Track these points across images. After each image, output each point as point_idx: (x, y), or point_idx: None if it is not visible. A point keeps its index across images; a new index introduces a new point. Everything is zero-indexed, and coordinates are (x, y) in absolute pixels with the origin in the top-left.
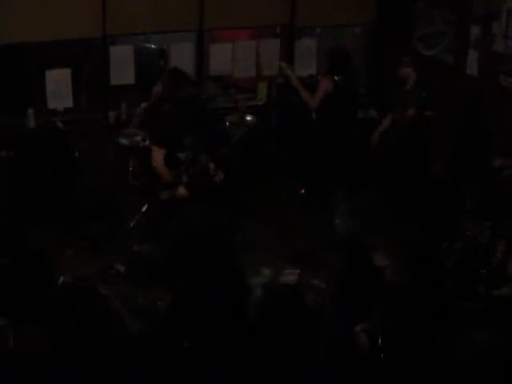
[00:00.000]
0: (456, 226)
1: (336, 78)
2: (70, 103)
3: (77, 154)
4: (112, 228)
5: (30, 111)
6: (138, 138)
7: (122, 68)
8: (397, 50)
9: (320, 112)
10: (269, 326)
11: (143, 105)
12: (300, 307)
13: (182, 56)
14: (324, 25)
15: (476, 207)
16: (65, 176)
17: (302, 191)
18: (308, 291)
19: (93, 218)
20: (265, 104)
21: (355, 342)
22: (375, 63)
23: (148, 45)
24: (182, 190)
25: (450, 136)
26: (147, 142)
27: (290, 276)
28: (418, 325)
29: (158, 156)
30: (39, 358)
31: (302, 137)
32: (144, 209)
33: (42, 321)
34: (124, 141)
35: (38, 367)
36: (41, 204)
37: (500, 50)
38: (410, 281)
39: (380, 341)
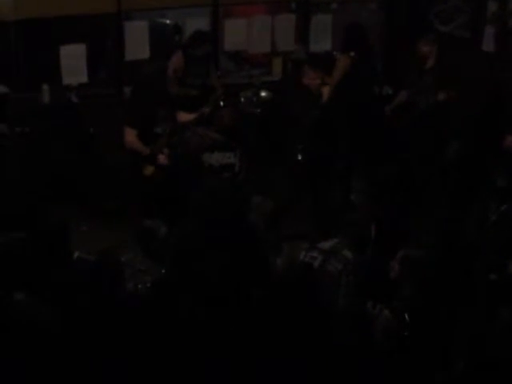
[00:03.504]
0: (484, 201)
1: (352, 54)
2: (84, 79)
3: (91, 130)
4: (126, 203)
5: (45, 87)
6: None
7: (137, 43)
8: (412, 25)
9: (339, 89)
10: (283, 300)
11: None
12: (314, 285)
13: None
14: (340, 0)
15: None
16: (79, 151)
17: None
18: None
19: (107, 193)
20: (280, 79)
21: (371, 317)
22: (391, 39)
23: (163, 20)
24: (161, 158)
25: (467, 114)
26: None
27: (326, 242)
28: (444, 300)
29: (128, 136)
30: (52, 332)
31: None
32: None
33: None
34: None
35: (50, 341)
36: (55, 179)
37: None
38: (437, 256)
39: (407, 317)
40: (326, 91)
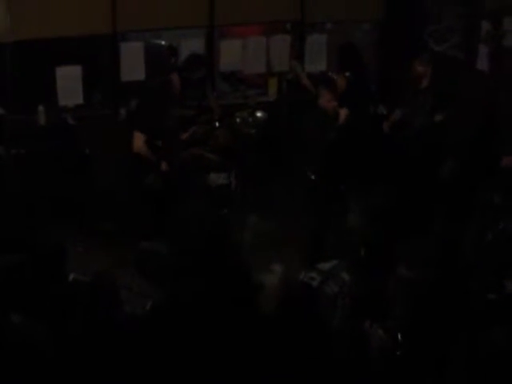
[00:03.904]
0: (481, 220)
1: (347, 74)
2: (80, 100)
3: (87, 151)
4: (122, 225)
5: (41, 108)
6: None
7: (133, 64)
8: (406, 46)
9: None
10: (284, 321)
11: None
12: (315, 305)
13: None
14: (334, 21)
15: (503, 201)
16: (75, 173)
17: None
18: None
19: (103, 214)
20: (275, 100)
21: (367, 337)
22: (385, 60)
23: (158, 41)
24: (164, 166)
25: (461, 133)
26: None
27: (326, 264)
28: (437, 322)
29: (138, 141)
30: (48, 354)
31: (314, 132)
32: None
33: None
34: None
35: (46, 363)
36: (52, 201)
37: (510, 45)
38: (431, 277)
39: (400, 337)
40: (343, 113)
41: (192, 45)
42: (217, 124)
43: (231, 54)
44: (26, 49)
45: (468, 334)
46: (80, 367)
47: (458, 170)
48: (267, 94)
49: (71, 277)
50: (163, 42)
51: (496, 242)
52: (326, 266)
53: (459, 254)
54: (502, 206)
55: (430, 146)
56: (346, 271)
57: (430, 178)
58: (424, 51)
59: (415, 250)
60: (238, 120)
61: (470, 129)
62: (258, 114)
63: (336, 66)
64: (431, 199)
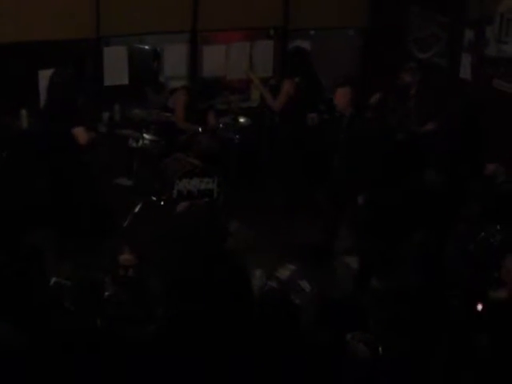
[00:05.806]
0: (461, 229)
1: (297, 79)
2: None
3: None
4: (104, 228)
5: (23, 112)
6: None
7: (116, 69)
8: (391, 52)
9: (284, 114)
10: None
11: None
12: (291, 313)
13: (175, 57)
14: (318, 27)
15: (484, 211)
16: (58, 176)
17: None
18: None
19: (86, 218)
20: (258, 105)
21: (347, 350)
22: (369, 66)
23: (142, 46)
24: None
25: (443, 141)
26: (140, 143)
27: (285, 271)
28: (418, 333)
29: (81, 134)
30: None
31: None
32: (137, 209)
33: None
34: None
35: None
36: (34, 204)
37: (493, 54)
38: (412, 287)
39: (380, 350)
40: None
41: (175, 50)
42: (200, 129)
43: (214, 60)
44: (8, 52)
45: (449, 343)
46: (60, 373)
47: (441, 179)
48: (250, 100)
49: (53, 281)
50: (147, 47)
51: (477, 251)
52: (284, 273)
53: (440, 264)
54: (482, 215)
55: (413, 154)
56: (305, 279)
57: (412, 188)
58: (409, 59)
59: (392, 260)
60: (220, 125)
61: (451, 136)
62: (241, 120)
63: (286, 71)
64: (412, 209)
